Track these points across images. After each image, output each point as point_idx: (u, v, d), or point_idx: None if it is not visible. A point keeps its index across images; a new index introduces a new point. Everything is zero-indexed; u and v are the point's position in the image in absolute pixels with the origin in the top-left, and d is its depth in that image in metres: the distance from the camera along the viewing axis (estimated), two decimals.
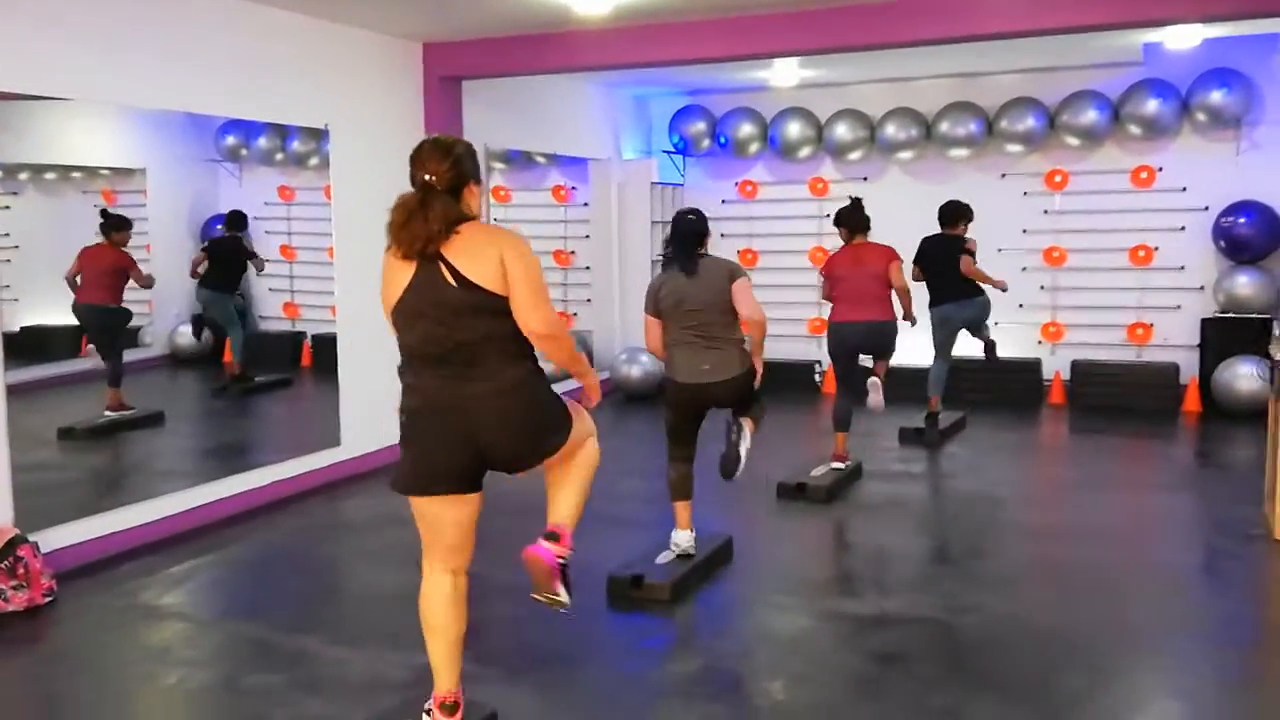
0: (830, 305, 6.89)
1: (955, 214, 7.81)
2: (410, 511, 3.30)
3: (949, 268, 7.70)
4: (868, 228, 6.81)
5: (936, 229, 7.86)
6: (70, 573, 5.10)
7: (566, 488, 3.38)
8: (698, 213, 5.09)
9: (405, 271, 3.13)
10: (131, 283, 7.22)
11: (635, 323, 10.13)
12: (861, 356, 6.88)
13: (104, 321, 7.15)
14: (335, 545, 5.90)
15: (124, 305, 7.22)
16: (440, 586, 3.33)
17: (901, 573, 5.31)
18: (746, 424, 5.12)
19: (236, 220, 8.15)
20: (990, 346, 8.07)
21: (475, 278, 3.08)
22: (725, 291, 4.90)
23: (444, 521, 3.24)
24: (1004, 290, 7.89)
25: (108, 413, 7.09)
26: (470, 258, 3.09)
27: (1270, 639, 4.57)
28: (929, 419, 7.88)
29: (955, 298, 7.73)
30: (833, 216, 6.98)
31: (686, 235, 5.02)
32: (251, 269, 8.31)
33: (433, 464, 3.16)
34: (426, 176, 3.12)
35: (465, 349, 3.11)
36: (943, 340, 7.88)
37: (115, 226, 7.12)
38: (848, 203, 6.91)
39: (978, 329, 7.97)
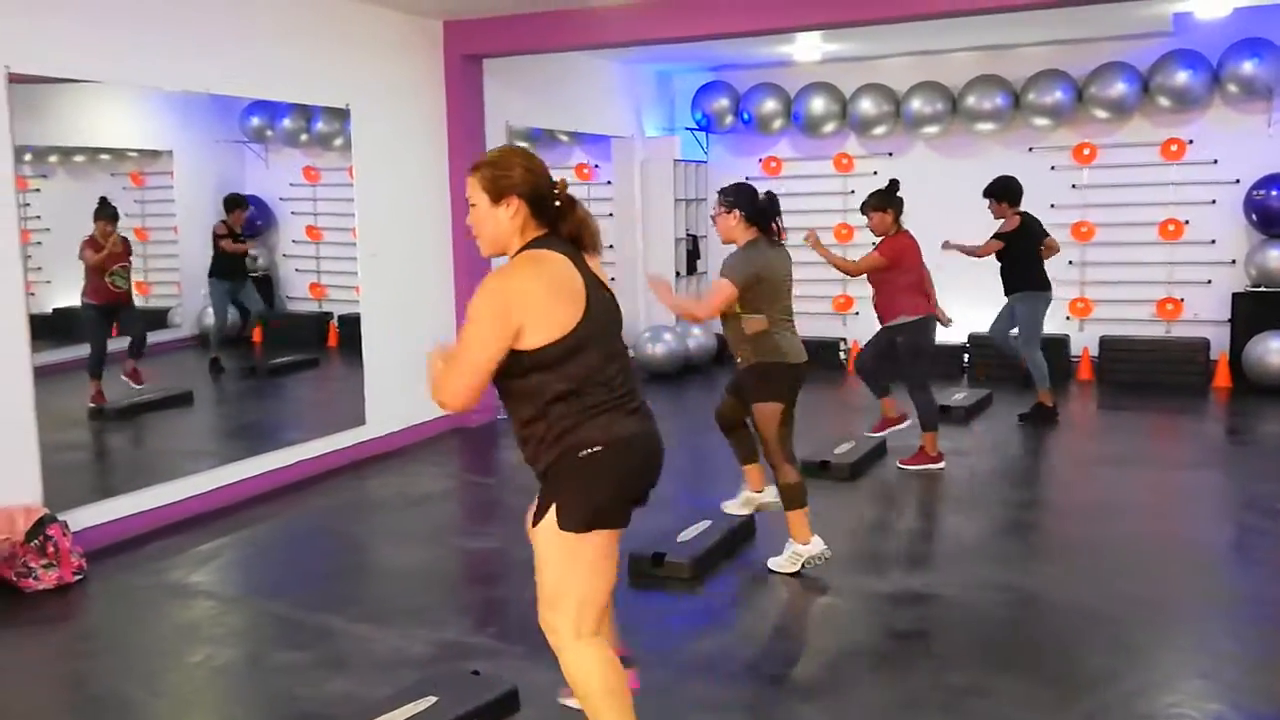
0: (893, 295, 6.45)
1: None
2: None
3: (1038, 250, 7.48)
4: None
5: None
6: (99, 551, 5.18)
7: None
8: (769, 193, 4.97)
9: (575, 275, 2.78)
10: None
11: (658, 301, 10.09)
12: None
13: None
14: (360, 524, 5.94)
15: (85, 299, 6.93)
16: (606, 647, 2.90)
17: (925, 550, 5.30)
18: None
19: (227, 203, 7.84)
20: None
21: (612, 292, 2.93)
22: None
23: (612, 557, 2.93)
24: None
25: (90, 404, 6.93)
26: (598, 270, 2.90)
27: None
28: (1039, 409, 7.70)
29: (1048, 283, 7.51)
30: (877, 200, 6.48)
31: (776, 215, 4.89)
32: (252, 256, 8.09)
33: (626, 494, 2.87)
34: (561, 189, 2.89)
35: (629, 370, 2.93)
36: (1040, 326, 7.60)
37: (95, 216, 6.79)
38: (887, 184, 6.57)
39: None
